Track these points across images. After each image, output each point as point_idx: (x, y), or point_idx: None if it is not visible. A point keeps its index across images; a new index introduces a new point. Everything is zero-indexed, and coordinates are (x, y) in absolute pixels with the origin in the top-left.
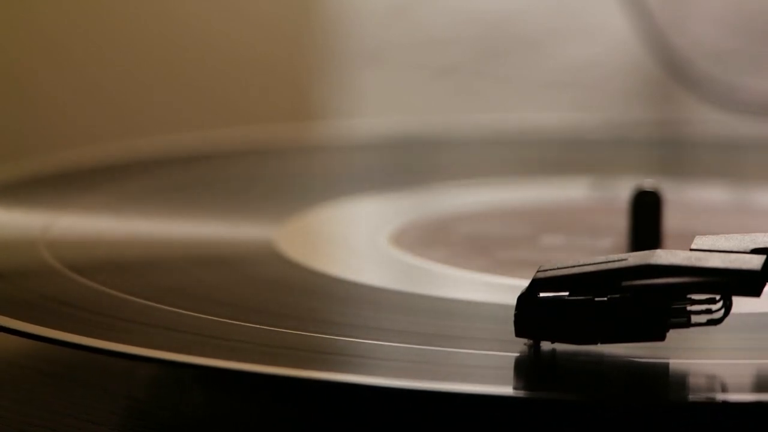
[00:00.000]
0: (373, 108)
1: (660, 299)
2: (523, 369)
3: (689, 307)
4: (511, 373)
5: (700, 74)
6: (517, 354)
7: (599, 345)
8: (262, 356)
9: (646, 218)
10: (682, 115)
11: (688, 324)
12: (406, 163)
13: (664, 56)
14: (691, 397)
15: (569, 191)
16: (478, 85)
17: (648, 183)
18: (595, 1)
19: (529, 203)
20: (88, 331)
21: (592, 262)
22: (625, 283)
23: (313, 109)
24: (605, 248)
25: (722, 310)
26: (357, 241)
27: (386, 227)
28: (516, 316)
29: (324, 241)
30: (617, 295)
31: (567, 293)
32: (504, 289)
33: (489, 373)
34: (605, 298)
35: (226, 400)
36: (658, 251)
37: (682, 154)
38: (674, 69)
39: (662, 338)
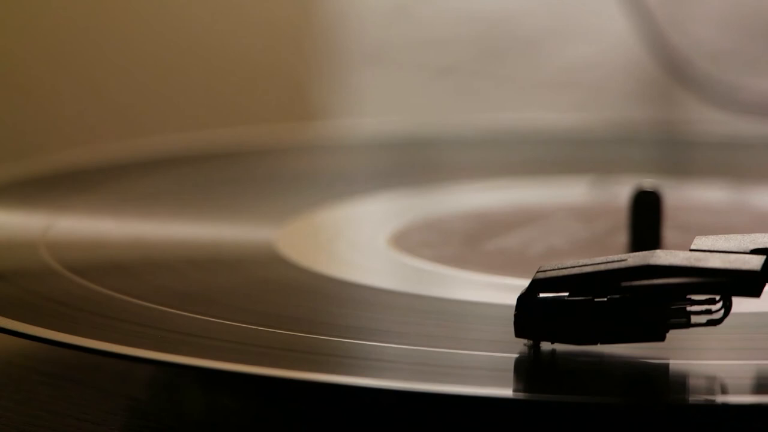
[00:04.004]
0: (373, 108)
1: (660, 300)
2: (523, 370)
3: (689, 308)
4: (510, 373)
5: (700, 74)
6: (517, 354)
7: (599, 345)
8: (262, 357)
9: (646, 218)
10: (682, 115)
11: (687, 324)
12: (407, 163)
13: (664, 56)
14: (691, 397)
15: (569, 191)
16: (478, 85)
17: (648, 183)
18: (595, 1)
19: (529, 203)
20: (88, 332)
21: (591, 262)
22: (624, 284)
23: (313, 109)
24: (605, 248)
25: (722, 311)
26: (357, 241)
27: (386, 227)
28: (516, 316)
29: (324, 242)
30: (617, 296)
31: (567, 294)
32: (504, 289)
33: (489, 374)
34: (605, 299)
35: (225, 401)
36: (658, 251)
37: (682, 154)
38: (674, 69)
39: (662, 338)
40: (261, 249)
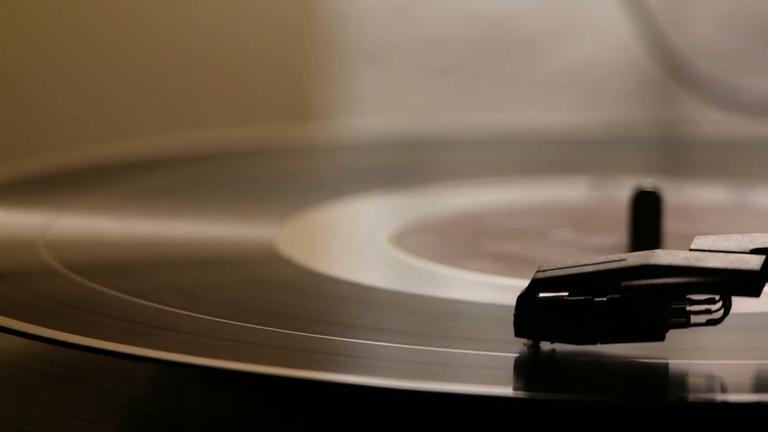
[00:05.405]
0: (373, 108)
1: (659, 299)
2: (523, 369)
3: (689, 307)
4: (510, 373)
5: (700, 74)
6: (517, 354)
7: (599, 345)
8: (262, 356)
9: (646, 218)
10: (682, 115)
11: (687, 324)
12: (406, 163)
13: (664, 56)
14: (691, 397)
15: (569, 191)
16: (478, 85)
17: (648, 183)
18: (595, 1)
19: (528, 203)
20: (88, 331)
21: (591, 262)
22: (624, 283)
23: (313, 109)
24: (605, 248)
25: (722, 310)
26: (357, 241)
27: (386, 227)
28: (515, 316)
29: (324, 242)
30: (617, 296)
31: (566, 293)
32: (504, 289)
33: (488, 374)
34: (605, 298)
35: (226, 400)
36: (658, 251)
37: (682, 154)
38: (674, 69)
39: (662, 338)
40: (261, 248)
